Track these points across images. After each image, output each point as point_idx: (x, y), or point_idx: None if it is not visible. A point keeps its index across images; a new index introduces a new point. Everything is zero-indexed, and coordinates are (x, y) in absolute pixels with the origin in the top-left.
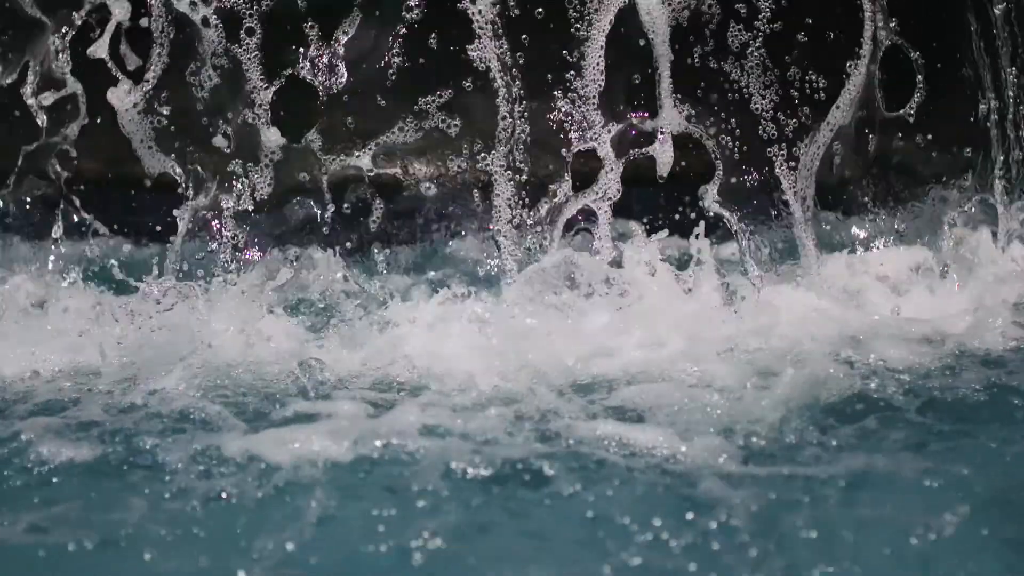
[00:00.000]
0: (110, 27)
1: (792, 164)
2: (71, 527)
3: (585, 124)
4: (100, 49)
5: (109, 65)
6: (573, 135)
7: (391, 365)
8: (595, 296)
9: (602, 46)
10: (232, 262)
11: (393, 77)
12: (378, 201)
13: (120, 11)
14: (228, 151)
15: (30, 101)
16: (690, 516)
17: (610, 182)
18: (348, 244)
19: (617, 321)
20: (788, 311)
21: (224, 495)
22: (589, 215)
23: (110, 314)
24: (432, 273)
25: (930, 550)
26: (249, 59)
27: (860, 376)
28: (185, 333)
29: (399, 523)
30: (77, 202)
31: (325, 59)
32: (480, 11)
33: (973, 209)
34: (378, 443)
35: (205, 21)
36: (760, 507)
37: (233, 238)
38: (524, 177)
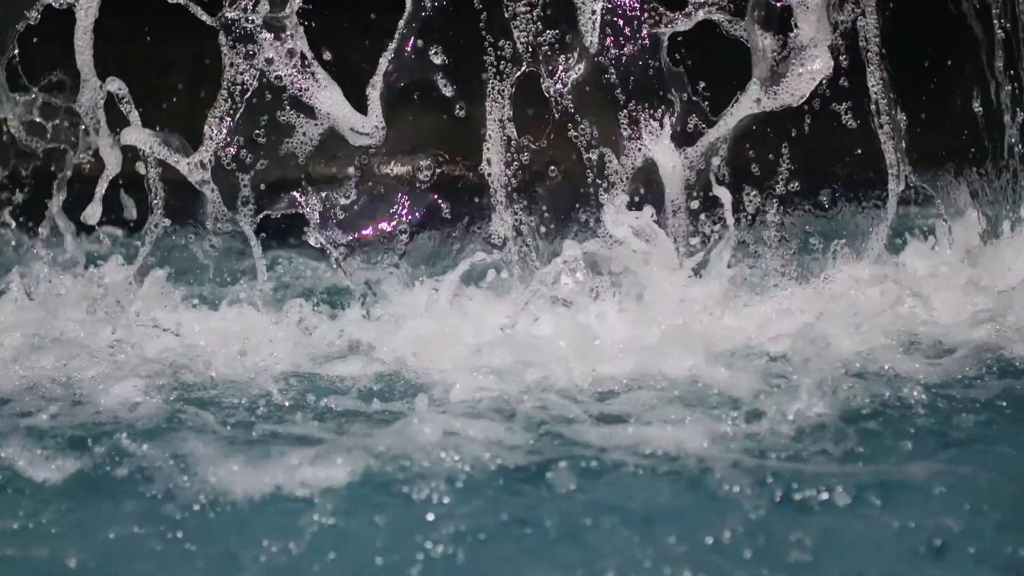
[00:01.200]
0: (102, 184)
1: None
2: (51, 544)
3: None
4: (92, 215)
5: (101, 234)
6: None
7: (392, 366)
8: (604, 293)
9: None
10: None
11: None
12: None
13: (113, 163)
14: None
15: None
16: (701, 520)
17: None
18: (350, 245)
19: (626, 321)
20: (801, 314)
21: (220, 507)
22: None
23: (103, 316)
24: (434, 273)
25: (943, 556)
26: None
27: (872, 381)
28: (181, 339)
29: (406, 530)
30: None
31: (329, 226)
32: (493, 174)
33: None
34: (381, 449)
35: (203, 183)
36: (770, 511)
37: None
38: None
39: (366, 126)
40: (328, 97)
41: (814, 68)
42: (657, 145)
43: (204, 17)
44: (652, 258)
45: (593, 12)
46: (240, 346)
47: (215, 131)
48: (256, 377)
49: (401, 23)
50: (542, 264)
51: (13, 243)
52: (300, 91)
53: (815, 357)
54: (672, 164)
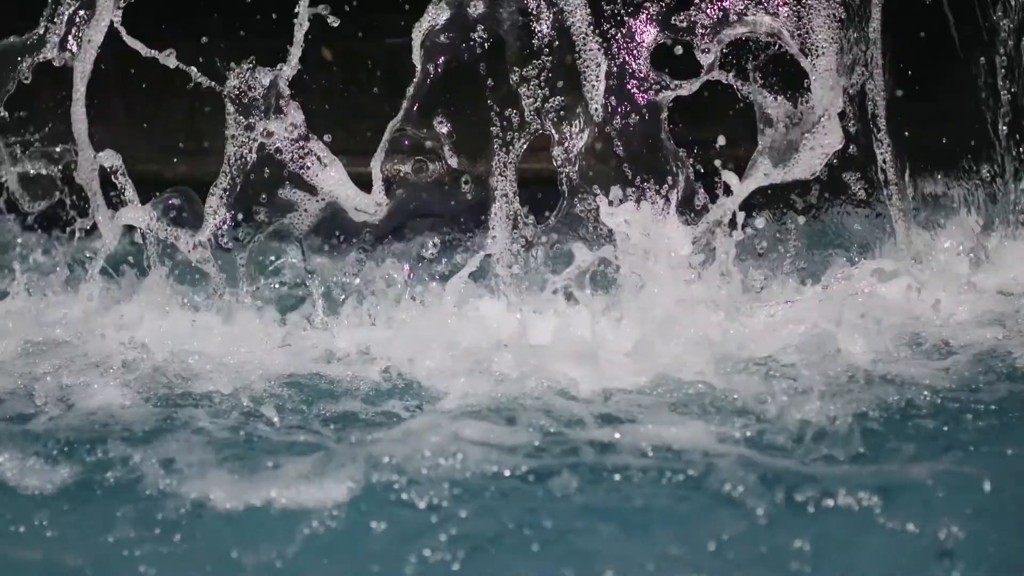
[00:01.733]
0: (100, 258)
1: None
2: (45, 549)
3: None
4: (91, 296)
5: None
6: None
7: (394, 369)
8: (609, 296)
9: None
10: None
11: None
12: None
13: (111, 239)
14: None
15: None
16: (707, 523)
17: None
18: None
19: (630, 324)
20: (807, 316)
21: (218, 514)
22: None
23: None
24: (436, 272)
25: (952, 560)
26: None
27: (880, 384)
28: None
29: (408, 536)
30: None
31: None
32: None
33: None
34: (381, 454)
35: (204, 261)
36: (777, 515)
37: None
38: None
39: (369, 205)
40: (331, 176)
41: (826, 142)
42: (663, 224)
43: (205, 80)
44: (657, 259)
45: (597, 78)
46: (238, 350)
47: (216, 208)
48: (255, 382)
49: (409, 90)
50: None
51: (18, 245)
52: (302, 169)
53: (820, 360)
54: (679, 243)
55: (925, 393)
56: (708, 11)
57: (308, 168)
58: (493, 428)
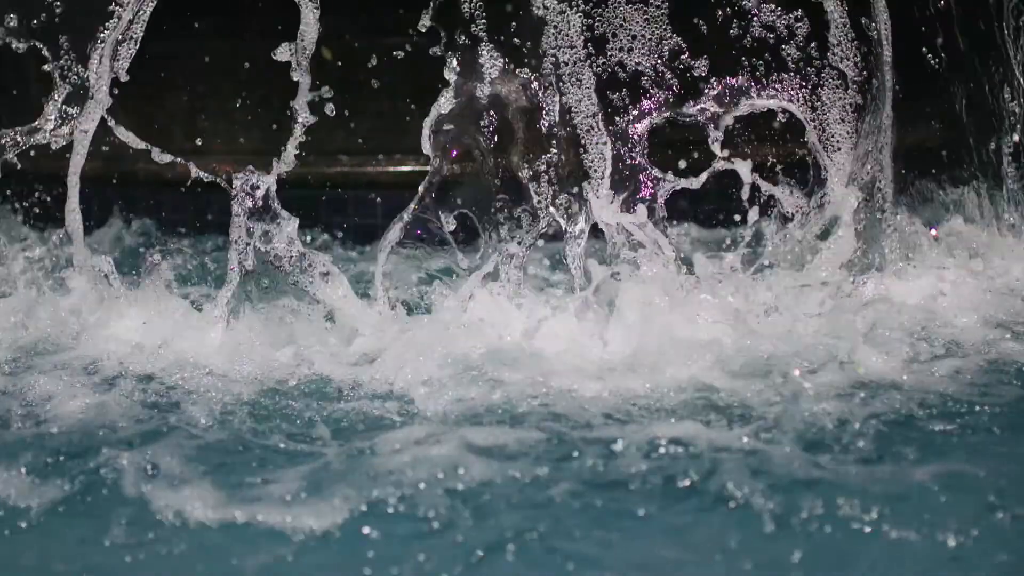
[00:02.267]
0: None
1: None
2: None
3: None
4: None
5: None
6: None
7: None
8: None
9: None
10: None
11: None
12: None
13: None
14: None
15: None
16: (708, 527)
17: None
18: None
19: (634, 330)
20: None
21: (213, 524)
22: None
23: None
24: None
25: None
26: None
27: (885, 387)
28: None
29: (408, 541)
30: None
31: None
32: None
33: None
34: (381, 459)
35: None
36: (784, 520)
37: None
38: None
39: (371, 318)
40: (334, 290)
41: (839, 249)
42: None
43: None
44: (659, 266)
45: (602, 176)
46: (238, 354)
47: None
48: (254, 386)
49: (420, 188)
50: None
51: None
52: (307, 284)
53: (827, 362)
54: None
55: (931, 396)
56: (720, 98)
57: (311, 282)
58: (494, 432)
